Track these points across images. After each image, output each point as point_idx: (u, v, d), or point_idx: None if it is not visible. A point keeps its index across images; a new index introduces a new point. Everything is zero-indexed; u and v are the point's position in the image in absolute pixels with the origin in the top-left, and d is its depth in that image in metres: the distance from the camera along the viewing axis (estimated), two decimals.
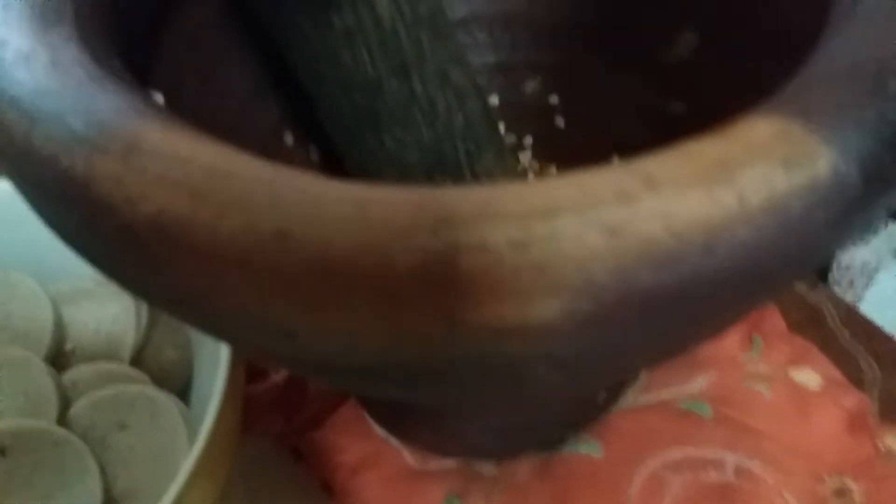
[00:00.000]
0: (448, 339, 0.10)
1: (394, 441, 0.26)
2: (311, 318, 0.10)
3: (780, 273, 0.11)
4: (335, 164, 0.23)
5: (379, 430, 0.26)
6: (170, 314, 0.12)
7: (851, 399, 0.27)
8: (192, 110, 0.19)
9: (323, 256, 0.10)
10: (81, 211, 0.11)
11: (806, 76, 0.12)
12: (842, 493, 0.25)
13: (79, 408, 0.23)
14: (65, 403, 0.24)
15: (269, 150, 0.22)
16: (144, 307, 0.26)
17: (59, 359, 0.25)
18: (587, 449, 0.26)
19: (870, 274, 0.47)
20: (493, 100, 0.27)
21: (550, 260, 0.10)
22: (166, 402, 0.23)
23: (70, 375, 0.24)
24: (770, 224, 0.10)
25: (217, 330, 0.12)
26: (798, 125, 0.11)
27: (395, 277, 0.10)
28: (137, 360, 0.26)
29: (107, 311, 0.26)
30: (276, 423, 0.27)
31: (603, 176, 0.10)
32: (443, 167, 0.21)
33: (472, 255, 0.10)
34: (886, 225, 0.45)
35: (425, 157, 0.20)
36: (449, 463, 0.26)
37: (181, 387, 0.26)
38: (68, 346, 0.26)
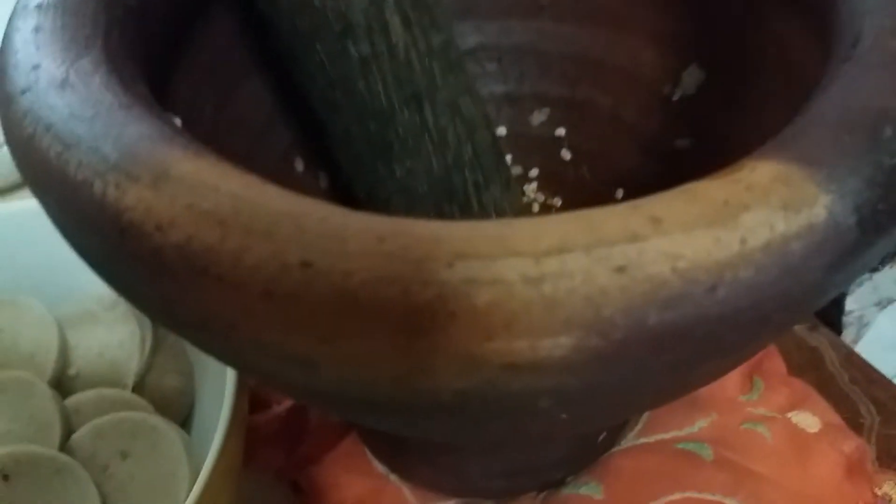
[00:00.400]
0: (461, 372, 0.11)
1: (394, 478, 0.26)
2: (330, 347, 0.10)
3: (780, 313, 0.11)
4: (344, 191, 0.24)
5: (379, 467, 0.26)
6: (192, 342, 0.12)
7: (850, 444, 0.27)
8: (207, 135, 0.19)
9: (344, 287, 0.10)
10: (112, 236, 0.11)
11: (805, 120, 0.13)
12: None
13: (81, 435, 0.23)
14: (67, 429, 0.24)
15: (279, 175, 0.22)
16: (149, 333, 0.26)
17: (62, 383, 0.25)
18: (588, 490, 0.26)
19: (858, 323, 0.48)
20: (501, 131, 0.27)
21: (561, 296, 0.10)
22: (168, 431, 0.23)
23: (73, 401, 0.24)
24: (770, 265, 0.10)
25: (238, 359, 0.12)
26: (797, 169, 0.11)
27: (413, 309, 0.10)
28: (140, 387, 0.26)
29: (112, 335, 0.26)
30: (277, 457, 0.27)
31: (612, 215, 0.11)
32: (451, 197, 0.21)
33: (486, 290, 0.10)
34: (873, 275, 0.45)
35: (434, 187, 0.21)
36: (449, 501, 0.26)
37: (183, 415, 0.26)
38: (72, 371, 0.26)
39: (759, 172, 0.11)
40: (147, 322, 0.27)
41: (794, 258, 0.11)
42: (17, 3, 0.15)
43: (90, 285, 0.26)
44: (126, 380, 0.25)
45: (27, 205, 0.26)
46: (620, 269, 0.10)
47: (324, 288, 0.10)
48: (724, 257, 0.10)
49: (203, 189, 0.11)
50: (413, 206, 0.21)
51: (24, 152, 0.12)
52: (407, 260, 0.10)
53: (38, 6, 0.14)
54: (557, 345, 0.10)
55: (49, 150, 0.12)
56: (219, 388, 0.22)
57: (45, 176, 0.12)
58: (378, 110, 0.19)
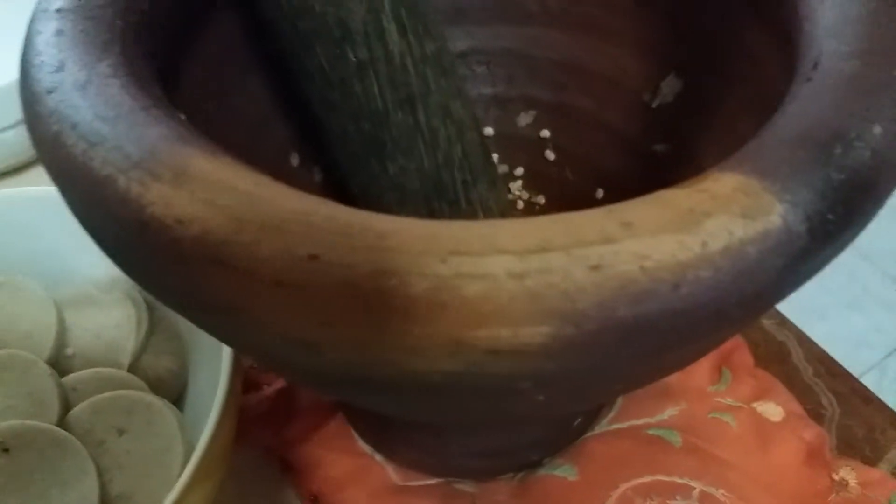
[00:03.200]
0: (451, 356, 0.12)
1: (378, 457, 0.27)
2: (333, 331, 0.11)
3: (736, 309, 0.12)
4: (338, 186, 0.25)
5: (364, 447, 0.28)
6: (204, 328, 0.13)
7: (811, 432, 0.29)
8: (207, 129, 0.20)
9: (347, 278, 0.11)
10: (134, 229, 0.12)
11: (766, 135, 0.14)
12: None
13: (78, 411, 0.24)
14: (65, 406, 0.24)
15: (275, 168, 0.24)
16: (144, 315, 0.27)
17: (60, 363, 0.26)
18: (562, 472, 0.27)
19: None
20: (489, 131, 0.28)
21: (542, 290, 0.11)
22: (163, 408, 0.24)
23: (70, 379, 0.25)
24: (728, 267, 0.12)
25: (247, 341, 0.13)
26: (756, 181, 0.12)
27: (409, 299, 0.11)
28: (134, 367, 0.27)
29: (108, 317, 0.27)
30: (267, 435, 0.28)
31: (589, 218, 0.12)
32: (440, 194, 0.22)
33: (475, 283, 0.11)
34: None
35: (425, 185, 0.22)
36: (431, 480, 0.27)
37: (176, 395, 0.27)
38: (69, 351, 0.27)
39: (722, 183, 0.13)
40: (143, 305, 0.27)
41: (749, 261, 0.12)
42: (38, 6, 0.15)
43: (88, 269, 0.27)
44: (122, 360, 0.26)
45: (29, 190, 0.27)
46: (595, 268, 0.11)
47: (329, 278, 0.11)
48: (686, 259, 0.12)
49: (220, 187, 0.12)
50: (405, 201, 0.22)
51: (50, 148, 0.13)
52: (405, 255, 0.11)
53: (59, 10, 0.15)
54: (537, 333, 0.11)
55: (74, 147, 0.13)
56: (212, 369, 0.23)
57: (70, 171, 0.13)
58: (373, 111, 0.20)
